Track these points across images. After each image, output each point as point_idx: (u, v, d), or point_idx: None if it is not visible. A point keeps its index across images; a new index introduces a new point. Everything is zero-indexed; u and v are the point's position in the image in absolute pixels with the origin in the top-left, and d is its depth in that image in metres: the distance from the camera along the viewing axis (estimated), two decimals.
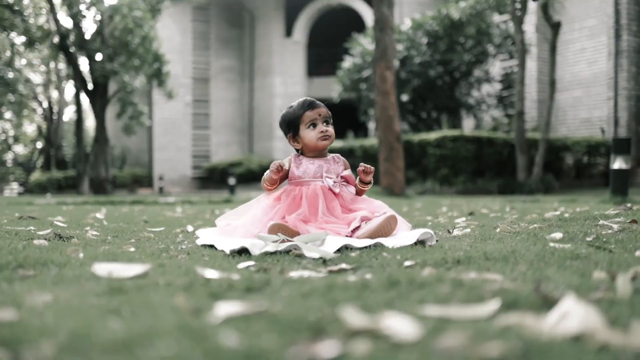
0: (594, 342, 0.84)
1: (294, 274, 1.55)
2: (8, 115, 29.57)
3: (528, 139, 14.81)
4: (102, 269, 1.49)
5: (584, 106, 17.48)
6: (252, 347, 0.75)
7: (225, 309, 0.98)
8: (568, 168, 16.13)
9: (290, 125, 2.65)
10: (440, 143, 14.76)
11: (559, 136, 16.50)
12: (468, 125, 19.38)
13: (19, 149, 37.78)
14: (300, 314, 0.97)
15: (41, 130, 31.16)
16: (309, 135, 2.61)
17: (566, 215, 3.56)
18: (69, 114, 33.16)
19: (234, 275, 1.47)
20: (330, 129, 2.63)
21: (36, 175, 25.44)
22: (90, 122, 30.07)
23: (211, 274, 1.47)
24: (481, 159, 14.96)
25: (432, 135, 15.06)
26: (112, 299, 1.17)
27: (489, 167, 15.16)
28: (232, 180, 16.35)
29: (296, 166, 2.63)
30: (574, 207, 5.30)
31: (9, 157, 37.03)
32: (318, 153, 2.66)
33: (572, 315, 0.93)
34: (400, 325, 0.87)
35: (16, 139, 36.17)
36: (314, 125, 2.61)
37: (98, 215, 4.69)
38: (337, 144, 17.02)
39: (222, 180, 22.73)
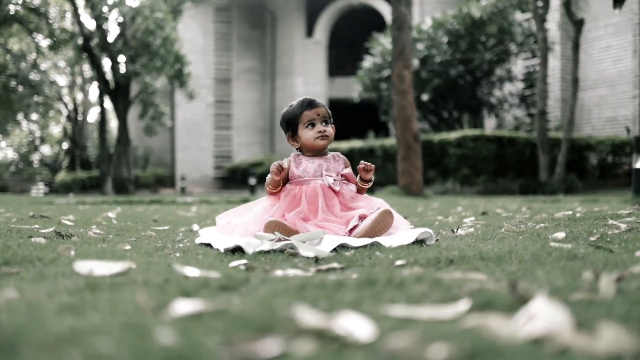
0: (555, 344, 0.80)
1: (279, 272, 1.53)
2: (34, 116, 30.11)
3: (551, 139, 14.57)
4: (83, 266, 1.48)
5: (609, 105, 17.16)
6: (187, 346, 0.73)
7: (182, 307, 0.96)
8: (592, 168, 15.84)
9: (289, 124, 2.64)
10: (461, 143, 14.62)
11: (583, 135, 16.22)
12: (490, 125, 19.17)
13: (46, 150, 38.46)
14: (259, 313, 0.95)
15: (66, 131, 31.65)
16: (306, 134, 2.58)
17: (577, 215, 3.48)
18: (93, 115, 33.66)
19: (214, 273, 1.45)
20: (329, 129, 2.60)
21: (61, 176, 25.83)
22: (114, 123, 30.44)
23: (191, 272, 1.45)
24: (502, 158, 14.78)
25: (453, 135, 14.93)
26: (82, 296, 1.16)
27: (511, 167, 14.97)
28: (252, 181, 16.42)
29: (296, 166, 2.61)
30: (593, 207, 5.19)
31: (35, 157, 37.72)
32: (317, 152, 2.63)
33: (538, 317, 0.89)
34: (355, 326, 0.84)
35: (42, 140, 36.84)
36: (313, 124, 2.59)
37: (110, 214, 4.72)
38: (357, 143, 16.98)
39: (243, 180, 22.82)
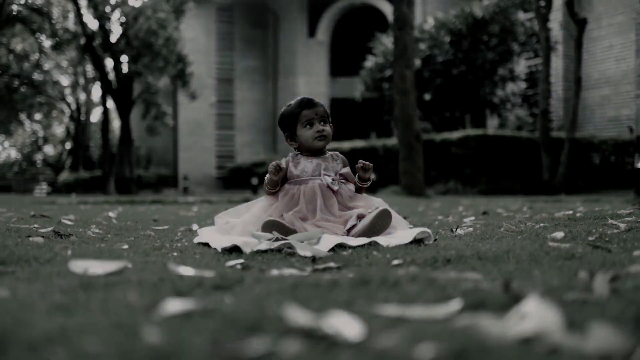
0: (545, 344, 0.79)
1: (275, 272, 1.53)
2: (37, 116, 30.18)
3: (553, 138, 14.56)
4: (78, 266, 1.48)
5: (612, 104, 17.12)
6: (174, 345, 0.72)
7: (173, 306, 0.95)
8: (595, 168, 15.81)
9: (288, 124, 2.62)
10: (463, 142, 14.62)
11: (585, 135, 16.19)
12: (492, 125, 19.16)
13: (49, 150, 38.53)
14: (250, 312, 0.95)
15: (69, 131, 31.71)
16: (305, 134, 2.57)
17: (577, 214, 3.47)
18: (96, 115, 33.71)
19: (209, 273, 1.45)
20: (327, 129, 2.59)
21: (64, 176, 25.89)
22: (116, 123, 30.50)
23: (186, 271, 1.45)
24: (505, 158, 14.76)
25: (455, 135, 14.92)
26: (75, 295, 1.16)
27: (513, 167, 14.95)
28: (254, 180, 16.44)
29: (294, 165, 2.60)
30: (594, 207, 5.17)
31: (38, 157, 37.79)
32: (316, 152, 2.62)
33: (530, 316, 0.88)
34: (344, 325, 0.84)
35: (45, 140, 36.91)
36: (311, 124, 2.57)
37: (110, 214, 4.72)
38: (359, 143, 16.97)
39: (246, 180, 22.81)
